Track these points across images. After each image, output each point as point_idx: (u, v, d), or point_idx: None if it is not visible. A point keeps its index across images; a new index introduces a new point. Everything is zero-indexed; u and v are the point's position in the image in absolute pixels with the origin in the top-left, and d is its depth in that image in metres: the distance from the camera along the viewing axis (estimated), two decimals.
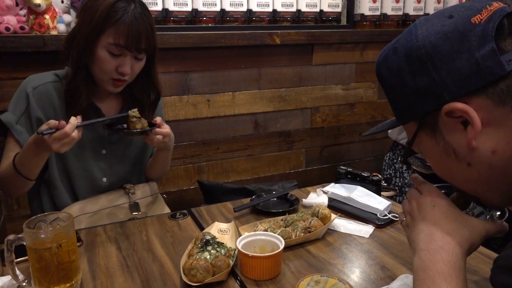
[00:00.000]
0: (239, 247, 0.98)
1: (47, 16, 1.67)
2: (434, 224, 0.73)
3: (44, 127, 1.09)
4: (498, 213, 1.07)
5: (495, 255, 1.03)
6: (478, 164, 0.65)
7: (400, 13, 2.46)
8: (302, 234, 1.11)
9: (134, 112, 1.25)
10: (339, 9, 2.34)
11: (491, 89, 0.61)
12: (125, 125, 1.27)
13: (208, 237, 1.03)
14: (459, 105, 0.62)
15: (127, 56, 1.22)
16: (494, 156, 0.63)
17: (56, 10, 1.73)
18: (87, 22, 1.19)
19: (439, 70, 0.63)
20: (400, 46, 0.68)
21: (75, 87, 1.24)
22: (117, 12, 1.17)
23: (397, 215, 1.25)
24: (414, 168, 2.05)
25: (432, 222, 0.73)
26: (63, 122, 1.08)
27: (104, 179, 1.38)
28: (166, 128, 1.28)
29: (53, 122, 1.08)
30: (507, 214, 1.03)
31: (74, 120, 1.10)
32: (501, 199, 0.70)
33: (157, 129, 1.26)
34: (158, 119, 1.29)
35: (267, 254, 0.96)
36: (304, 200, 1.39)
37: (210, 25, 2.04)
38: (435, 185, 0.81)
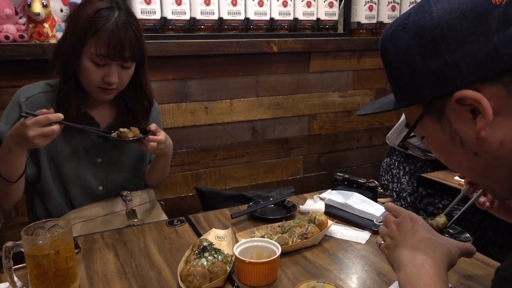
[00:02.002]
0: (236, 253, 0.98)
1: (46, 25, 1.68)
2: (416, 241, 0.75)
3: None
4: (464, 236, 1.15)
5: (490, 261, 1.05)
6: (485, 154, 0.62)
7: None
8: (299, 240, 1.12)
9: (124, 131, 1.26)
10: (335, 18, 2.37)
11: (507, 77, 0.57)
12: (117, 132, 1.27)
13: (205, 244, 1.04)
14: (471, 93, 0.58)
15: (113, 66, 1.20)
16: (502, 147, 0.60)
17: (55, 19, 1.75)
18: (71, 32, 1.19)
19: (453, 52, 0.59)
20: (411, 23, 0.63)
21: (64, 96, 1.24)
22: (98, 22, 1.15)
23: None
24: (411, 153, 2.06)
25: (413, 239, 0.76)
26: (51, 110, 1.08)
27: (100, 188, 1.38)
28: (160, 135, 1.28)
29: (39, 110, 1.08)
30: (471, 239, 1.10)
31: (60, 115, 1.08)
32: (506, 190, 0.68)
33: (151, 137, 1.26)
34: (152, 126, 1.28)
35: (264, 260, 0.97)
36: (301, 206, 1.40)
37: (208, 33, 2.05)
38: None
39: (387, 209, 0.88)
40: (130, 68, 1.25)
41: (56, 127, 1.07)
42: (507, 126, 0.59)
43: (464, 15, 0.58)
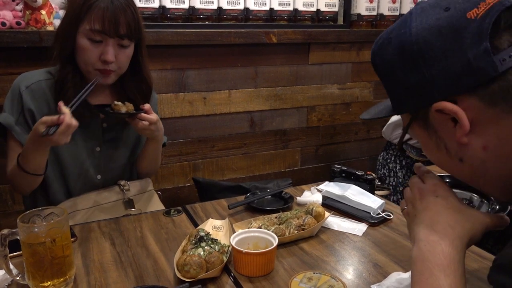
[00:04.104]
0: (233, 244, 0.98)
1: (43, 12, 1.67)
2: (436, 215, 0.71)
3: (42, 127, 1.07)
4: (498, 207, 1.05)
5: (486, 254, 1.05)
6: (470, 160, 0.64)
7: (397, 13, 2.48)
8: (296, 231, 1.12)
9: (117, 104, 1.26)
10: (336, 9, 2.35)
11: (482, 90, 0.59)
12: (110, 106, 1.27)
13: (202, 234, 1.04)
14: (448, 105, 0.61)
15: (109, 43, 1.19)
16: (486, 152, 0.62)
17: (53, 5, 1.73)
18: (67, 13, 1.20)
19: (430, 68, 0.62)
20: (394, 38, 0.66)
21: (63, 80, 1.23)
22: None
23: (390, 214, 1.26)
24: (409, 155, 2.06)
25: (434, 212, 0.72)
26: (62, 116, 1.06)
27: (99, 177, 1.38)
28: (153, 115, 1.28)
29: (49, 119, 1.06)
30: (508, 208, 1.01)
31: (66, 108, 1.09)
32: (500, 194, 0.68)
33: (143, 114, 1.26)
34: (146, 106, 1.28)
35: (260, 251, 0.97)
36: (298, 198, 1.39)
37: (207, 23, 2.04)
38: (438, 175, 0.79)
39: (415, 169, 0.83)
40: (127, 48, 1.24)
41: (74, 122, 1.09)
42: (487, 133, 0.62)
43: (440, 31, 0.61)
